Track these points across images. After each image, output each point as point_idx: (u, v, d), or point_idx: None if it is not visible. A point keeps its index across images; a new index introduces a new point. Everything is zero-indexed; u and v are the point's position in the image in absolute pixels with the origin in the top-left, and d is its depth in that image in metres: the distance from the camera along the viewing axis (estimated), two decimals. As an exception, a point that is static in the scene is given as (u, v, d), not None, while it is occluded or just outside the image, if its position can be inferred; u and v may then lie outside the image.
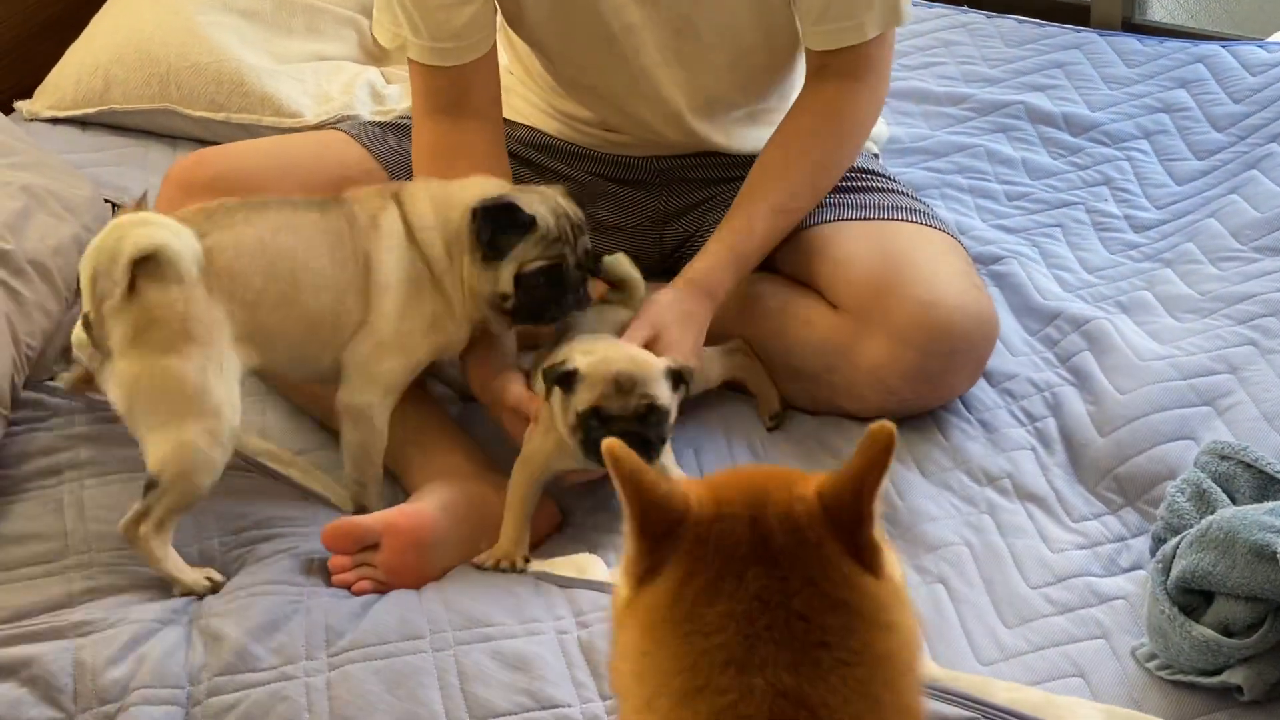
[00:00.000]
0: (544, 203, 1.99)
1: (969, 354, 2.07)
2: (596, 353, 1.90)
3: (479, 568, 1.92)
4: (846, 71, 2.13)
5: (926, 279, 2.06)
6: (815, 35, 2.11)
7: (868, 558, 1.13)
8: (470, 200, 1.97)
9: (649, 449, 1.86)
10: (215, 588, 1.87)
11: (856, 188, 2.24)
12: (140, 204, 2.00)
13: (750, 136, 2.30)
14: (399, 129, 2.32)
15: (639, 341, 1.96)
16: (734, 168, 2.29)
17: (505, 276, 1.96)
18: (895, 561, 1.16)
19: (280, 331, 1.93)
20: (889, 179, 2.30)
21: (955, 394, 2.12)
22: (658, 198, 2.31)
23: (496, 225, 1.94)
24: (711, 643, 1.09)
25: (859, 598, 1.12)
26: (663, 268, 2.32)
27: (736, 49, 2.17)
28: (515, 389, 2.00)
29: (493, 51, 2.16)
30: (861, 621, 1.11)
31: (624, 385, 1.86)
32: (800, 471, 1.19)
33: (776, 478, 1.17)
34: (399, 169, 2.25)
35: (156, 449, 1.84)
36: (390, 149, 2.28)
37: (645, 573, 1.14)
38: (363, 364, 1.96)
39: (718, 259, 2.07)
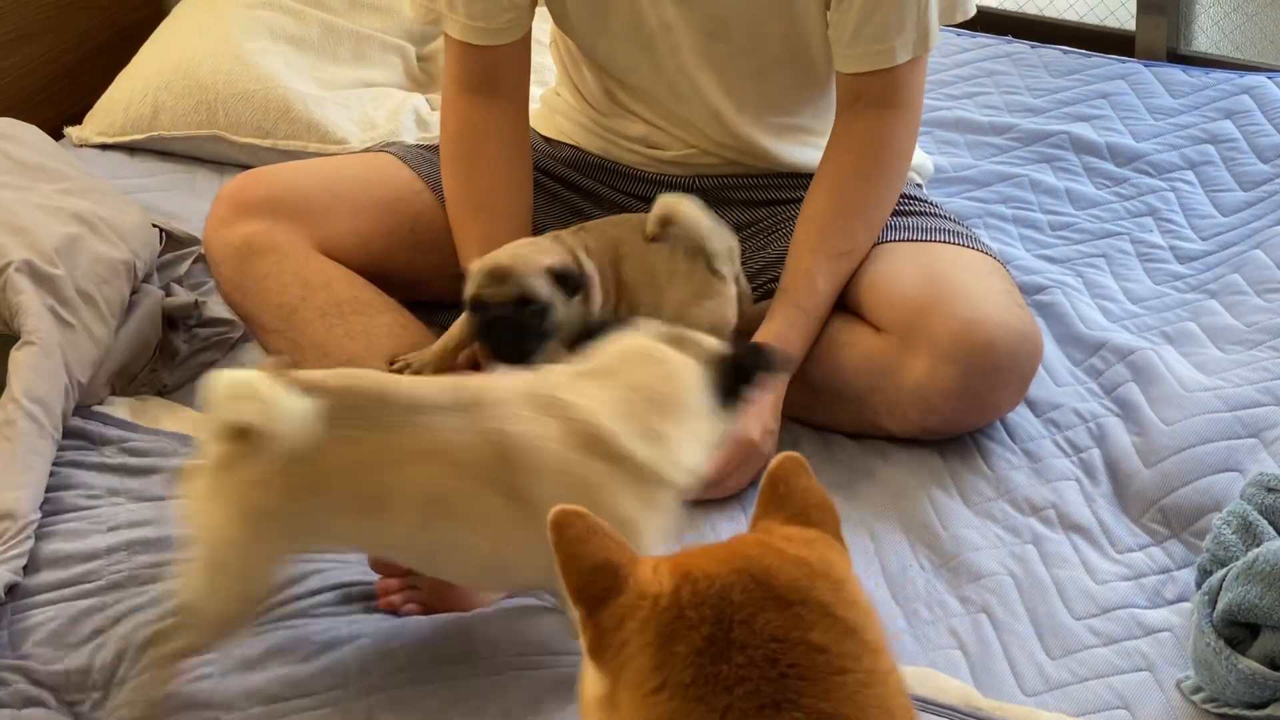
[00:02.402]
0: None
1: (1012, 371, 2.07)
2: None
3: None
4: (881, 100, 2.13)
5: (968, 297, 2.06)
6: (847, 59, 2.12)
7: (849, 559, 1.22)
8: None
9: (525, 338, 1.97)
10: None
11: (898, 211, 2.24)
12: (280, 365, 1.60)
13: (793, 152, 2.30)
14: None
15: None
16: (777, 189, 2.30)
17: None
18: None
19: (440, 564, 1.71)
20: (930, 204, 2.31)
21: (999, 413, 2.12)
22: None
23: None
24: (736, 695, 1.09)
25: (866, 622, 1.15)
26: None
27: (765, 57, 2.18)
28: None
29: (527, 37, 2.21)
30: (864, 646, 1.13)
31: (498, 276, 1.99)
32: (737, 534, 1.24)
33: (735, 540, 1.21)
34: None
35: None
36: (438, 171, 2.30)
37: (593, 645, 1.15)
38: None
39: (788, 320, 2.09)
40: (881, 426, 2.12)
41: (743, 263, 2.27)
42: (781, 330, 2.08)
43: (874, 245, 2.18)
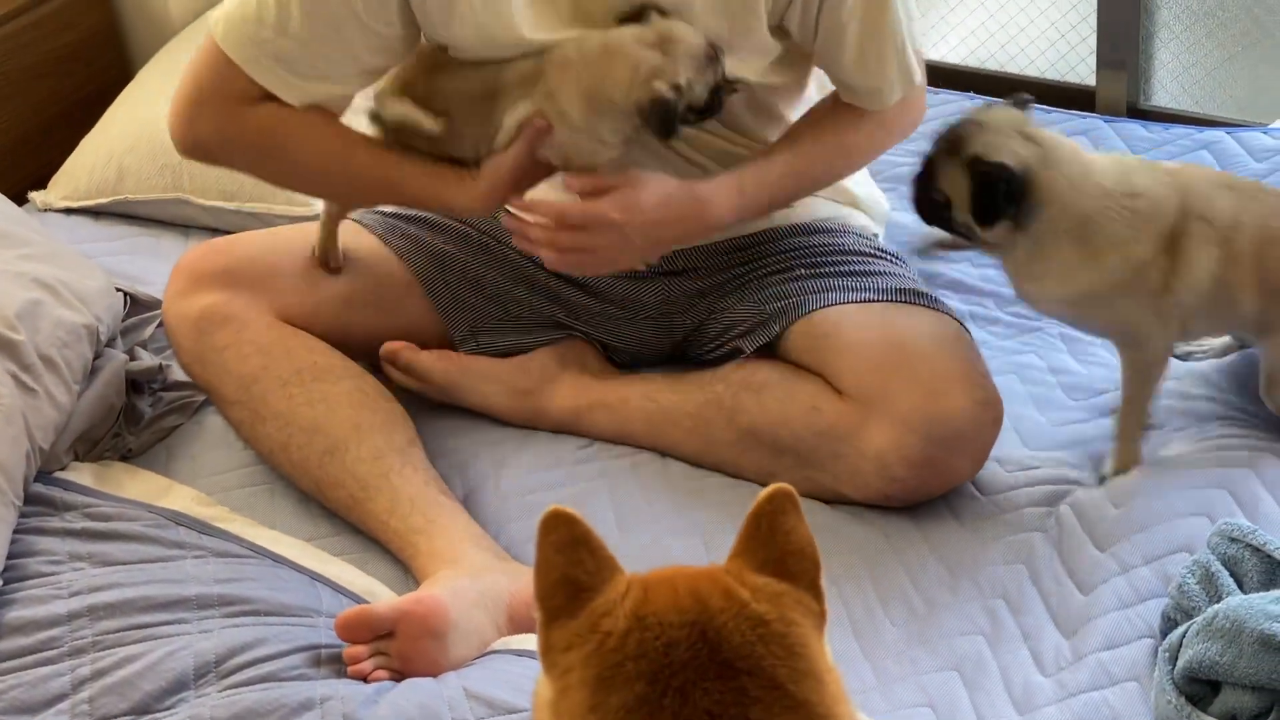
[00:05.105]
0: None
1: (974, 440, 2.08)
2: None
3: None
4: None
5: (930, 363, 2.07)
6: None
7: (824, 608, 1.18)
8: None
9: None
10: None
11: (859, 271, 2.24)
12: None
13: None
14: (412, 217, 2.33)
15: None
16: (745, 259, 2.29)
17: None
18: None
19: None
20: (892, 259, 2.30)
21: (959, 480, 2.11)
22: (665, 290, 2.30)
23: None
24: None
25: (818, 695, 1.13)
26: (671, 355, 2.33)
27: (733, 134, 2.20)
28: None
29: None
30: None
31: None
32: (712, 566, 1.19)
33: (705, 578, 1.17)
34: (412, 255, 2.26)
35: None
36: (402, 235, 2.29)
37: (542, 653, 1.15)
38: None
39: (724, 184, 2.11)
40: (842, 493, 2.10)
41: (707, 324, 2.27)
42: (713, 185, 2.10)
43: (836, 306, 2.17)
